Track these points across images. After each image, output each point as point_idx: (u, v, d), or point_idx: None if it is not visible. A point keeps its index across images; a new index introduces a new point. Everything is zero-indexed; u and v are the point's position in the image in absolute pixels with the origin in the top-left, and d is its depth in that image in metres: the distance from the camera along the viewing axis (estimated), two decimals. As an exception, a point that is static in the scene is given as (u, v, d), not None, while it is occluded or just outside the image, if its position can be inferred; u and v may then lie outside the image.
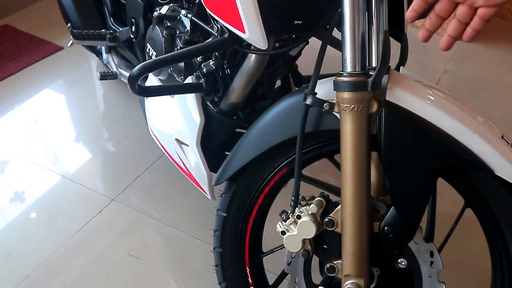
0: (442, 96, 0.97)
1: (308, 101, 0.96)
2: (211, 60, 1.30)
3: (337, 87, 0.92)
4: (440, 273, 1.02)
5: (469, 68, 2.54)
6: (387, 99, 0.93)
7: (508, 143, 0.96)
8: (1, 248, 1.64)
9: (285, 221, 1.05)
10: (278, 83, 1.55)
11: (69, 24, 1.82)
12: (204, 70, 1.30)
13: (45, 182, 1.87)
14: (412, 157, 0.94)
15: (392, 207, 0.98)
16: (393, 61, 1.05)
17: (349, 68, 0.92)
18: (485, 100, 2.34)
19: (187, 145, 1.39)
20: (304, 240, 1.04)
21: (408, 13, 0.83)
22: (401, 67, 1.08)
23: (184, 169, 1.43)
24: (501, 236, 0.99)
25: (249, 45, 1.13)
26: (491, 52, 2.66)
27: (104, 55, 1.89)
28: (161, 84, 1.52)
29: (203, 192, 1.38)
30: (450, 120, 0.92)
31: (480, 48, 2.68)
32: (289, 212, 1.04)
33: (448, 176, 1.00)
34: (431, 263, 1.02)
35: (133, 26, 1.67)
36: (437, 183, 1.07)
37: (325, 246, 1.07)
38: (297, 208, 1.03)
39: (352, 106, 0.91)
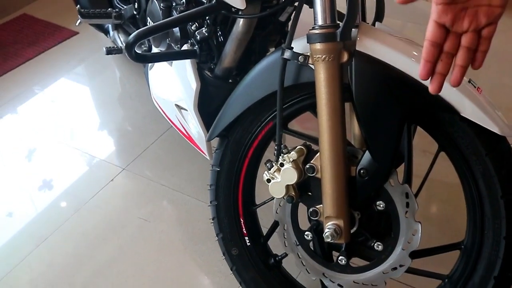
0: (411, 45, 1.03)
1: (285, 55, 1.03)
2: (204, 28, 1.38)
3: (309, 39, 0.99)
4: (415, 213, 1.09)
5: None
6: (357, 49, 1.00)
7: (475, 87, 1.02)
8: (20, 212, 1.76)
9: (270, 170, 1.12)
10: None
11: (78, 6, 1.92)
12: (198, 37, 1.37)
13: (61, 154, 1.99)
14: (381, 102, 1.00)
15: (367, 151, 1.05)
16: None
17: (320, 21, 0.99)
18: (492, 68, 2.35)
19: (186, 110, 1.47)
20: (287, 186, 1.11)
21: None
22: (376, 23, 1.14)
23: (185, 132, 1.52)
24: (472, 175, 1.04)
25: (237, 11, 1.20)
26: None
27: (111, 33, 1.99)
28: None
29: (202, 153, 1.47)
30: (416, 66, 0.98)
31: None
32: (273, 161, 1.12)
33: (420, 121, 1.06)
34: (407, 204, 1.08)
35: (136, 3, 1.76)
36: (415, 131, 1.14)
37: (309, 193, 1.14)
38: (280, 157, 1.11)
39: (324, 57, 0.98)
